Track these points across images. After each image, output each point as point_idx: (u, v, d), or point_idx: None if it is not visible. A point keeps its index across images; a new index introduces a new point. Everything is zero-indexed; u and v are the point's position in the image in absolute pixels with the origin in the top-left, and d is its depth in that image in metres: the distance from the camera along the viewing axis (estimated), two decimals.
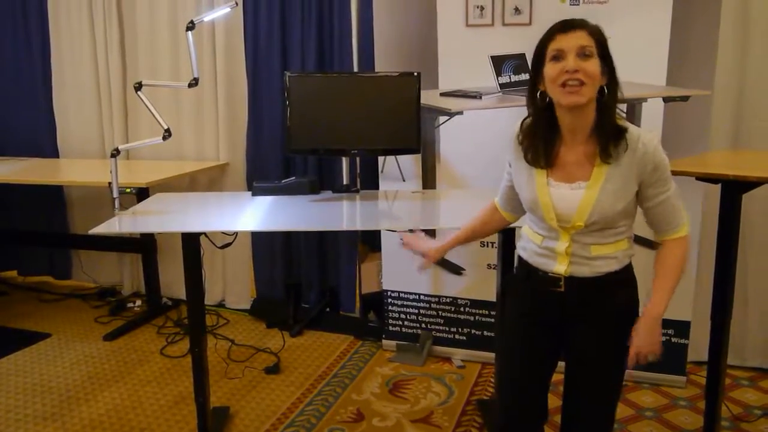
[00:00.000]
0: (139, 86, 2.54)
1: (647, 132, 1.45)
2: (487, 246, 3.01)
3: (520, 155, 1.55)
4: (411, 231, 1.97)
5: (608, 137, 1.43)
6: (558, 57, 1.40)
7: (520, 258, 1.66)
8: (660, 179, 1.44)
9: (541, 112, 1.50)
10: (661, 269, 1.49)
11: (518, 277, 1.68)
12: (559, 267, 1.53)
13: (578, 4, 2.68)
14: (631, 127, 1.45)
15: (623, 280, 1.53)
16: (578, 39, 1.39)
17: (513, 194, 1.65)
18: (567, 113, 1.45)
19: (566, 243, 1.50)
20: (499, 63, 2.78)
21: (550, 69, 1.42)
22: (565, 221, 1.49)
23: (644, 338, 1.47)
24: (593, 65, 1.39)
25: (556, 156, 1.50)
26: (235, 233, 2.49)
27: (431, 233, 3.10)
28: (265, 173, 3.58)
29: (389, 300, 3.28)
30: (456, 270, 3.13)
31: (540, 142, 1.50)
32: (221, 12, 2.78)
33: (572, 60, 1.38)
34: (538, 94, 1.48)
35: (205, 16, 2.82)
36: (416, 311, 3.24)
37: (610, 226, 1.48)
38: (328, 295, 3.76)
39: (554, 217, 1.49)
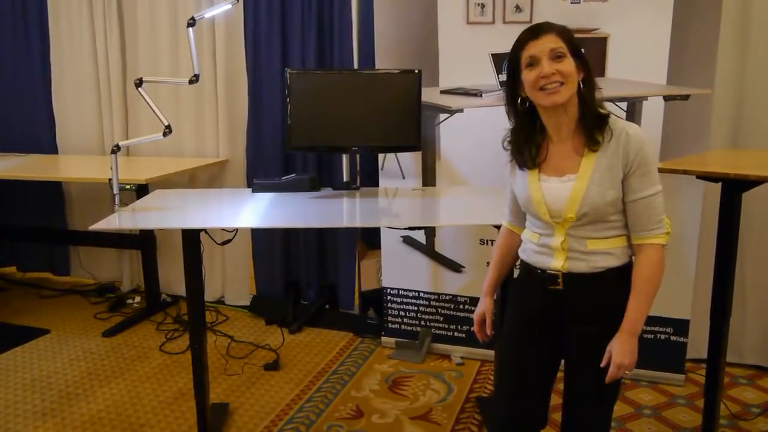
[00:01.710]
0: (139, 82, 2.53)
1: (636, 126, 1.50)
2: (487, 244, 3.01)
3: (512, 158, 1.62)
4: (411, 228, 1.96)
5: (592, 125, 1.48)
6: (533, 63, 1.46)
7: (521, 261, 1.68)
8: (644, 173, 1.46)
9: (523, 117, 1.56)
10: (638, 283, 1.49)
11: (520, 279, 1.69)
12: (556, 263, 1.54)
13: (579, 3, 2.66)
14: (617, 118, 1.50)
15: (622, 280, 1.52)
16: (549, 42, 1.45)
17: (518, 203, 1.67)
18: (550, 113, 1.51)
19: (561, 237, 1.52)
20: (499, 61, 2.78)
21: (527, 75, 1.48)
22: (557, 215, 1.51)
23: (623, 355, 1.46)
24: (567, 65, 1.45)
25: (545, 155, 1.55)
26: (235, 230, 2.50)
27: (431, 230, 3.14)
28: (265, 170, 3.58)
29: (388, 297, 3.28)
30: (455, 267, 3.13)
31: (524, 145, 1.56)
32: (222, 8, 2.77)
33: (547, 64, 1.44)
34: (519, 100, 1.54)
35: (206, 13, 2.81)
36: (415, 308, 3.24)
37: (602, 219, 1.49)
38: (327, 292, 3.76)
39: (546, 211, 1.52)
